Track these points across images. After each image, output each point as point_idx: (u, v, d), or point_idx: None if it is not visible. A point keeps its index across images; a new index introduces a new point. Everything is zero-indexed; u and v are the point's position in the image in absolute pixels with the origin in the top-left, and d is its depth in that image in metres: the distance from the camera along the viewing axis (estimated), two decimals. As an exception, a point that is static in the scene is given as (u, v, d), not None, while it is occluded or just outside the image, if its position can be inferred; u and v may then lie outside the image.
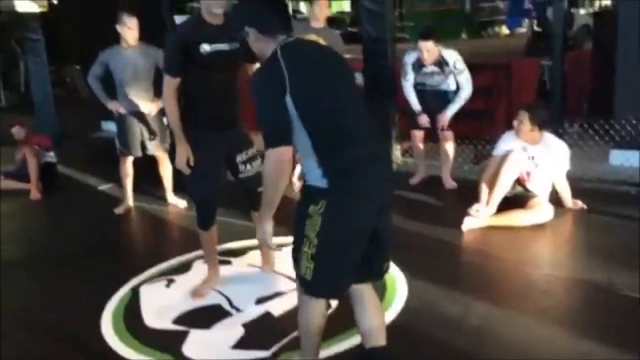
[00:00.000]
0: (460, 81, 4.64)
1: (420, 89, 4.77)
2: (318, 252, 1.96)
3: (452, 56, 4.62)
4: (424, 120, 4.77)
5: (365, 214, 1.98)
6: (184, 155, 2.94)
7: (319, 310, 2.14)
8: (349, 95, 2.06)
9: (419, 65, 4.70)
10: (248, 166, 3.12)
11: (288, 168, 1.97)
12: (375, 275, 2.22)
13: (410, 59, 4.73)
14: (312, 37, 4.48)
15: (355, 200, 1.95)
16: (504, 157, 3.97)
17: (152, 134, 4.64)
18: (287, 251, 3.63)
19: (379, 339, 2.17)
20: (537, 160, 3.96)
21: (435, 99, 4.73)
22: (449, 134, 4.77)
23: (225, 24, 2.87)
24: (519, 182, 4.01)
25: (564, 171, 4.05)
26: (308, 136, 1.94)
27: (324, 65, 2.04)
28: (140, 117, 4.59)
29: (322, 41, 4.05)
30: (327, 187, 1.94)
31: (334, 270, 2.01)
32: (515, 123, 3.99)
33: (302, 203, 2.01)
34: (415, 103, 4.78)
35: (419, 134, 4.91)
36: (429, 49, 4.56)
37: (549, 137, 4.03)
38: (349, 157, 1.96)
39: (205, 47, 2.81)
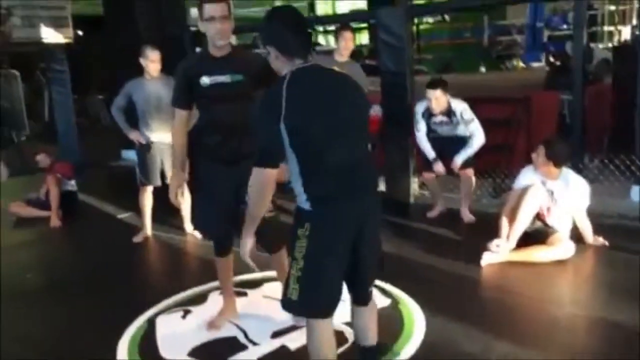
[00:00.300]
0: (471, 130, 4.69)
1: (433, 137, 4.82)
2: (304, 274, 2.06)
3: (460, 106, 4.69)
4: (439, 167, 4.78)
5: (344, 239, 2.10)
6: (175, 185, 2.99)
7: (327, 335, 2.19)
8: (351, 125, 2.10)
9: (429, 114, 4.78)
10: None
11: (271, 188, 2.10)
12: (359, 299, 2.34)
13: (420, 108, 4.82)
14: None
15: (335, 226, 2.07)
16: (523, 191, 3.94)
17: (171, 164, 4.68)
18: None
19: (370, 339, 2.38)
20: (556, 195, 3.92)
21: (449, 145, 4.77)
22: (469, 171, 4.77)
23: (230, 57, 2.87)
24: (539, 217, 3.97)
25: (584, 207, 4.00)
26: (297, 162, 2.04)
27: (331, 94, 2.07)
28: (161, 147, 4.65)
29: None
30: (311, 209, 2.06)
31: (320, 289, 2.10)
32: (533, 156, 3.98)
33: (294, 225, 2.12)
34: (429, 151, 4.81)
35: (429, 177, 4.90)
36: (437, 97, 4.64)
37: (568, 173, 3.99)
38: (333, 185, 2.05)
39: (205, 80, 2.82)
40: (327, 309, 2.16)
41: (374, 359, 2.49)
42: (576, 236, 4.00)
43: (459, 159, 4.70)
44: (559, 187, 3.92)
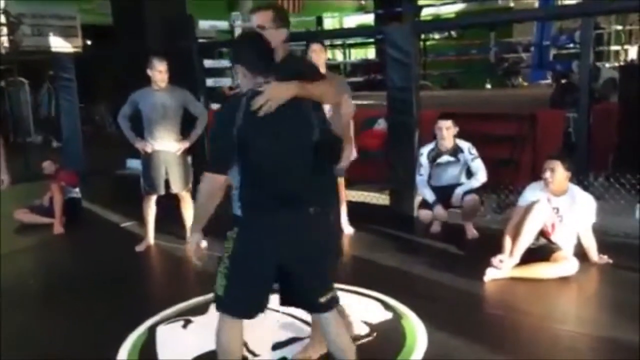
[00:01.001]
0: (475, 167, 4.72)
1: (435, 185, 4.80)
2: (229, 273, 2.25)
3: (466, 144, 4.77)
4: (440, 211, 4.74)
5: (269, 247, 2.22)
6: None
7: (238, 332, 2.34)
8: (291, 147, 2.23)
9: (434, 155, 4.78)
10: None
11: (218, 194, 2.22)
12: (311, 308, 2.45)
13: (425, 149, 4.85)
14: None
15: (259, 234, 2.22)
16: (528, 207, 3.92)
17: (175, 173, 4.70)
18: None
19: (348, 356, 2.38)
20: (561, 212, 3.91)
21: (450, 192, 4.74)
22: (473, 196, 4.70)
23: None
24: (543, 234, 3.95)
25: (589, 224, 3.98)
26: (238, 171, 2.24)
27: (280, 116, 2.16)
28: (166, 156, 4.66)
29: None
30: (242, 216, 2.28)
31: (241, 290, 2.26)
32: (547, 174, 3.87)
33: (229, 228, 2.31)
34: (429, 195, 4.78)
35: (426, 216, 4.84)
36: (448, 127, 4.69)
37: (575, 189, 3.98)
38: (263, 197, 2.23)
39: None
40: (247, 310, 2.32)
41: None
42: (580, 253, 3.97)
43: (459, 192, 4.69)
44: (565, 203, 3.90)
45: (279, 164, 2.21)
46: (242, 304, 2.30)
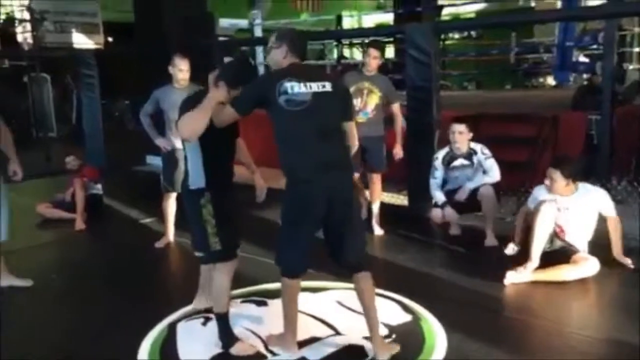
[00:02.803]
0: (488, 165, 4.67)
1: (451, 189, 4.77)
2: (219, 228, 2.86)
3: (479, 145, 4.74)
4: (449, 213, 4.71)
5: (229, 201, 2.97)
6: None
7: (232, 272, 2.97)
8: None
9: (449, 158, 4.77)
10: None
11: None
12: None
13: (441, 154, 4.83)
14: (366, 84, 4.92)
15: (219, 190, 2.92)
16: (535, 209, 3.92)
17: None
18: (323, 296, 3.62)
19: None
20: (572, 210, 3.91)
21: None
22: (489, 190, 4.64)
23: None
24: (557, 236, 3.92)
25: (611, 213, 3.98)
26: (201, 150, 2.86)
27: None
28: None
29: (374, 87, 4.89)
30: (205, 185, 2.87)
31: (231, 237, 2.93)
32: (547, 182, 3.94)
33: (189, 204, 2.98)
34: (439, 196, 4.76)
35: (436, 216, 4.81)
36: (460, 131, 4.67)
37: (585, 186, 3.99)
38: (219, 170, 2.92)
39: None
40: (237, 248, 3.00)
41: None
42: (603, 258, 3.93)
43: (468, 186, 4.64)
44: (575, 201, 3.92)
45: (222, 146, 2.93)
46: (234, 244, 2.96)
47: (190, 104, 2.84)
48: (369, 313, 2.88)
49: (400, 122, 5.14)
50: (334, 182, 2.75)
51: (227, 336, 3.01)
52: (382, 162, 5.13)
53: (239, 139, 3.15)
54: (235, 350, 2.96)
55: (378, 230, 5.07)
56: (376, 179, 5.15)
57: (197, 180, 2.90)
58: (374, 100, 4.94)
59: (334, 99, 2.80)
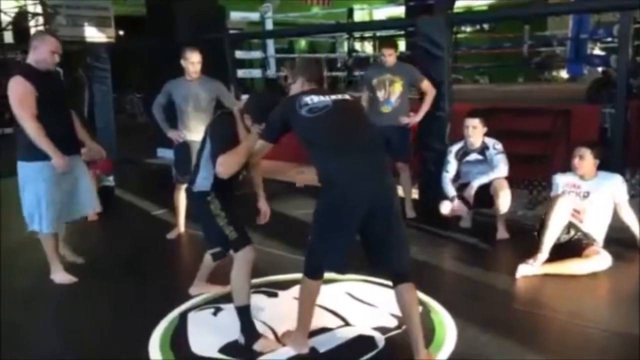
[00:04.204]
0: (496, 160, 4.63)
1: (464, 183, 4.75)
2: (229, 219, 2.97)
3: (492, 140, 4.72)
4: (458, 206, 4.69)
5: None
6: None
7: (250, 263, 2.98)
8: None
9: (463, 153, 4.75)
10: None
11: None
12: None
13: (455, 147, 4.82)
14: (387, 75, 5.10)
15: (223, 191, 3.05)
16: (552, 200, 3.92)
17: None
18: (334, 287, 3.63)
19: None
20: (592, 195, 3.93)
21: (478, 190, 4.66)
22: (502, 183, 4.60)
23: None
24: (574, 225, 3.90)
25: (624, 199, 4.01)
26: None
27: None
28: (197, 146, 4.68)
29: (396, 77, 5.10)
30: (210, 188, 3.02)
31: (240, 225, 3.01)
32: (575, 160, 4.00)
33: (197, 205, 3.12)
34: (451, 191, 4.74)
35: (446, 209, 4.76)
36: (475, 126, 4.65)
37: (603, 173, 4.04)
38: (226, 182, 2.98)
39: None
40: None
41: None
42: (615, 252, 3.90)
43: (475, 185, 4.61)
44: (595, 186, 3.96)
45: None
46: (246, 232, 3.01)
47: (221, 133, 2.99)
48: (411, 324, 2.73)
49: (430, 97, 5.21)
50: (371, 185, 2.63)
51: (250, 331, 2.97)
52: (407, 151, 5.24)
53: (259, 161, 3.20)
54: (258, 346, 2.91)
55: (410, 214, 5.27)
56: (403, 169, 5.22)
57: (202, 185, 3.06)
58: (397, 89, 5.09)
59: (355, 106, 2.98)
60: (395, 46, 5.32)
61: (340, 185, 2.60)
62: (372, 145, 2.73)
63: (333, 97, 2.76)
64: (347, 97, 2.86)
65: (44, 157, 3.69)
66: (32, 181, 3.78)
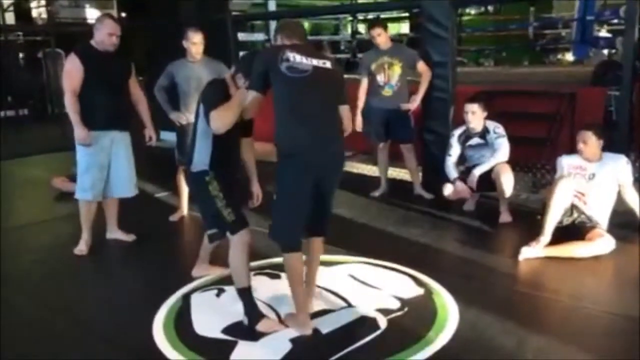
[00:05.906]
0: (498, 143, 4.59)
1: (468, 167, 4.72)
2: (228, 201, 2.93)
3: (492, 124, 4.68)
4: (460, 188, 4.65)
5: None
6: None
7: (247, 245, 2.96)
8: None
9: (465, 137, 4.72)
10: None
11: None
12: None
13: (457, 131, 4.78)
14: (385, 58, 5.06)
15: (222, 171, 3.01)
16: (555, 182, 3.91)
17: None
18: (337, 269, 3.63)
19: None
20: (597, 177, 3.92)
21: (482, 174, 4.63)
22: (505, 167, 4.57)
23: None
24: (577, 208, 3.89)
25: (629, 181, 4.00)
26: (212, 138, 2.93)
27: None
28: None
29: (394, 59, 5.07)
30: (208, 167, 2.96)
31: (238, 208, 2.97)
32: (580, 145, 3.98)
33: (195, 185, 3.09)
34: (453, 173, 4.71)
35: (449, 191, 4.74)
36: (474, 111, 4.61)
37: (608, 154, 4.04)
38: (224, 158, 3.01)
39: None
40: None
41: None
42: (617, 235, 3.89)
43: (477, 171, 4.58)
44: (600, 167, 3.94)
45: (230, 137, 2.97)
46: (243, 215, 2.97)
47: (212, 94, 2.91)
48: (312, 272, 3.07)
49: (426, 79, 5.18)
50: (329, 157, 2.81)
51: (253, 312, 2.98)
52: (409, 132, 5.25)
53: (250, 139, 3.22)
54: (261, 327, 2.94)
55: (427, 195, 5.30)
56: (407, 151, 5.21)
57: (200, 164, 3.00)
58: (396, 72, 5.09)
59: (334, 77, 2.89)
60: (383, 26, 5.21)
61: (300, 153, 2.73)
62: (332, 115, 2.85)
63: (314, 61, 2.78)
64: (328, 64, 2.85)
65: (90, 128, 3.96)
66: (79, 149, 4.08)
